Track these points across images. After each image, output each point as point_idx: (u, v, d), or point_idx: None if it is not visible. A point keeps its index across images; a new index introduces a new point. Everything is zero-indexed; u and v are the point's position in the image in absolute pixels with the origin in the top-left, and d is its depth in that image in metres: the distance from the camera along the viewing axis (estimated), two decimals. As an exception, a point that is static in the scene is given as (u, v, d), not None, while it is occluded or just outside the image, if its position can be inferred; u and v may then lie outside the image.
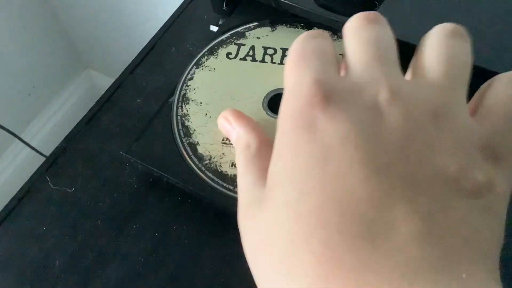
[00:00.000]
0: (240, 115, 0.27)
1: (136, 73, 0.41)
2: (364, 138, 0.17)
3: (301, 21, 0.36)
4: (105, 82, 1.29)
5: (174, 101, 0.34)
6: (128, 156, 0.34)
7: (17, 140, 1.03)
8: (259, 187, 0.21)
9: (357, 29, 0.21)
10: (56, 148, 0.38)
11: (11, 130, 0.99)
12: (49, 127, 1.22)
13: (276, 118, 0.33)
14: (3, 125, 0.97)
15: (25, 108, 1.18)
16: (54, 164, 0.37)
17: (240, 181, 0.23)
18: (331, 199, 0.16)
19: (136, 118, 0.38)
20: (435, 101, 0.18)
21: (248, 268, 0.32)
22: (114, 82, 0.40)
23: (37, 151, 1.06)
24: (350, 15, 0.33)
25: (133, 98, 0.40)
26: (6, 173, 1.15)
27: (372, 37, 0.20)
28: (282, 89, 0.33)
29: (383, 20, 0.21)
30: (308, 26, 0.36)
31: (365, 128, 0.17)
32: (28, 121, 1.20)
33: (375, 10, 0.33)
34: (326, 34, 0.22)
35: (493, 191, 0.17)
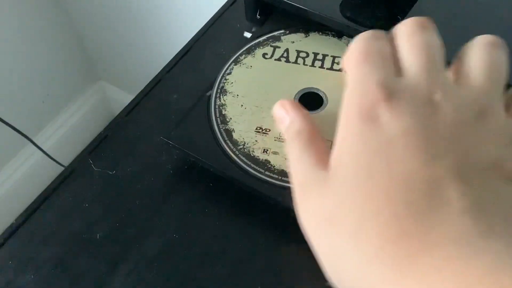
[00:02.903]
0: (297, 105, 0.28)
1: (172, 72, 0.45)
2: (422, 130, 0.21)
3: (332, 29, 0.40)
4: (116, 94, 1.33)
5: (212, 93, 0.38)
6: (167, 141, 0.37)
7: (30, 144, 1.06)
8: (318, 169, 0.24)
9: (410, 33, 0.24)
10: (98, 134, 0.41)
11: (25, 133, 1.02)
12: (60, 134, 1.25)
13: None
14: (18, 128, 1.00)
15: (38, 114, 1.22)
16: (96, 148, 0.40)
17: (295, 164, 0.25)
18: (397, 179, 0.20)
19: (172, 111, 0.42)
20: (478, 101, 0.22)
21: (273, 250, 0.35)
22: (152, 79, 0.44)
23: (48, 155, 1.09)
24: (373, 27, 0.37)
25: (170, 94, 0.43)
26: (17, 174, 1.18)
27: (424, 42, 0.23)
28: (312, 88, 0.37)
29: (433, 26, 0.24)
30: (339, 34, 0.40)
31: (422, 122, 0.21)
32: (41, 126, 1.23)
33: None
34: (385, 35, 0.25)
35: None
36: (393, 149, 0.21)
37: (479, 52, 0.23)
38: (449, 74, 0.24)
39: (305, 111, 0.28)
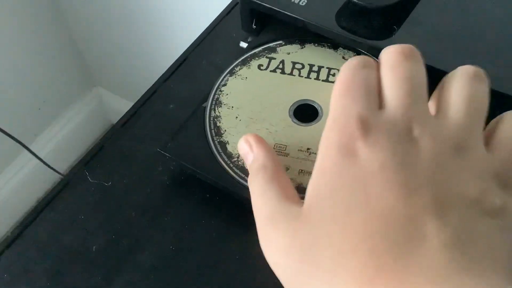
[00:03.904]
0: (261, 140, 0.28)
1: (169, 82, 0.44)
2: (400, 165, 0.21)
3: (328, 41, 0.40)
4: (113, 100, 1.33)
5: (207, 105, 0.38)
6: (164, 153, 0.37)
7: (25, 151, 1.05)
8: (287, 203, 0.23)
9: (394, 63, 0.23)
10: (94, 146, 0.41)
11: (20, 141, 1.02)
12: (57, 141, 1.25)
13: (299, 125, 0.36)
14: (13, 135, 1.00)
15: (34, 121, 1.21)
16: (92, 160, 0.40)
17: (260, 199, 0.25)
18: (375, 215, 0.20)
19: (169, 121, 0.42)
20: (457, 136, 0.22)
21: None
22: (148, 90, 0.44)
23: (44, 162, 1.09)
24: (369, 37, 0.37)
25: (166, 104, 0.43)
26: (13, 182, 1.18)
27: (407, 74, 0.23)
28: (307, 100, 0.37)
29: (417, 55, 0.24)
30: (334, 45, 0.40)
31: (400, 157, 0.21)
32: (37, 133, 1.23)
33: (394, 33, 0.37)
34: (372, 63, 0.24)
35: (507, 212, 0.20)
36: (370, 185, 0.21)
37: (459, 84, 0.23)
38: (430, 105, 0.24)
39: (269, 147, 0.28)
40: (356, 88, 0.23)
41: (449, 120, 0.22)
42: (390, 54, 0.24)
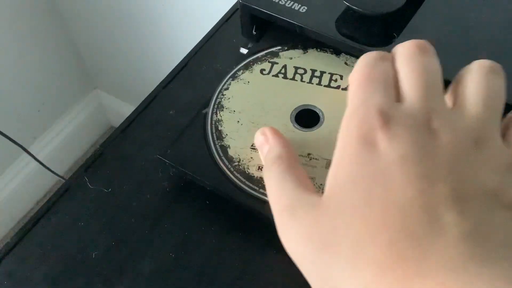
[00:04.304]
0: (277, 132, 0.29)
1: (169, 88, 0.44)
2: (420, 157, 0.21)
3: (331, 46, 0.40)
4: (112, 103, 1.33)
5: (209, 109, 0.38)
6: (163, 159, 0.37)
7: (25, 153, 1.05)
8: (305, 193, 0.24)
9: (410, 56, 0.24)
10: (94, 152, 0.41)
11: (20, 143, 1.02)
12: (56, 143, 1.25)
13: (301, 130, 0.36)
14: (12, 138, 1.00)
15: (34, 124, 1.21)
16: (91, 166, 0.40)
17: (277, 188, 0.25)
18: (394, 205, 0.20)
19: (169, 127, 0.42)
20: (476, 129, 0.22)
21: (271, 269, 0.35)
22: (148, 95, 0.44)
23: (43, 165, 1.09)
24: (369, 44, 0.38)
25: (166, 109, 0.43)
26: (12, 184, 1.18)
27: (422, 66, 0.23)
28: (309, 105, 0.37)
29: (432, 49, 0.24)
30: (337, 51, 0.40)
31: (420, 149, 0.21)
32: (36, 136, 1.23)
33: (394, 41, 0.37)
34: (389, 56, 0.25)
35: None
36: (390, 176, 0.21)
37: (476, 77, 0.23)
38: (447, 99, 0.24)
39: (285, 139, 0.29)
40: (375, 80, 0.23)
41: (467, 112, 0.22)
42: (406, 48, 0.24)
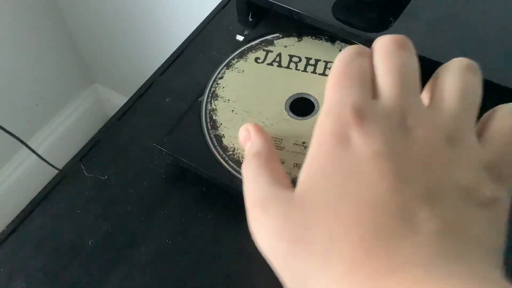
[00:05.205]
0: (260, 129, 0.29)
1: (165, 75, 0.44)
2: (393, 154, 0.21)
3: (325, 34, 0.40)
4: (111, 96, 1.33)
5: (203, 99, 0.38)
6: (160, 147, 0.37)
7: (24, 147, 1.05)
8: (279, 188, 0.24)
9: (387, 52, 0.24)
10: (90, 140, 0.41)
11: (19, 137, 1.02)
12: (55, 137, 1.25)
13: (295, 118, 0.36)
14: (11, 132, 1.00)
15: (32, 117, 1.21)
16: (88, 154, 0.40)
17: (251, 184, 0.25)
18: (367, 202, 0.20)
19: (165, 115, 0.42)
20: (451, 127, 0.22)
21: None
22: (145, 83, 0.44)
23: (42, 158, 1.08)
24: (366, 29, 0.37)
25: (162, 97, 0.43)
26: (11, 178, 1.18)
27: (399, 64, 0.23)
28: (303, 93, 0.37)
29: (410, 45, 0.24)
30: (332, 39, 0.40)
31: (393, 146, 0.21)
32: (35, 129, 1.22)
33: (390, 26, 0.37)
34: (367, 52, 0.24)
35: (497, 204, 0.21)
36: (363, 172, 0.21)
37: (453, 76, 0.23)
38: (423, 96, 0.24)
39: (267, 136, 0.29)
40: (351, 77, 0.23)
41: (442, 111, 0.22)
42: (384, 44, 0.24)
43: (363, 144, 0.21)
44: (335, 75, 0.24)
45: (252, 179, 0.25)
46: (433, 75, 0.25)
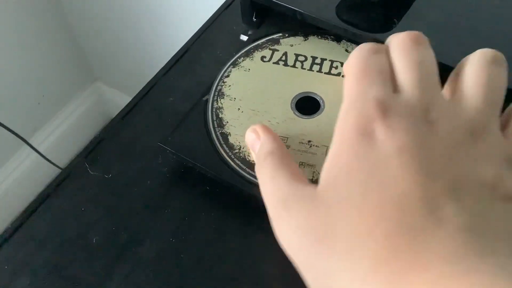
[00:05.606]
0: (267, 129, 0.29)
1: (169, 75, 0.44)
2: (417, 149, 0.21)
3: (331, 33, 0.40)
4: (113, 95, 1.33)
5: (209, 97, 0.38)
6: (164, 146, 0.37)
7: (25, 145, 1.05)
8: (297, 185, 0.23)
9: (405, 49, 0.24)
10: (94, 138, 0.41)
11: (20, 135, 1.02)
12: (56, 135, 1.25)
13: (301, 117, 0.36)
14: (13, 130, 1.00)
15: (34, 116, 1.21)
16: (92, 152, 0.40)
17: (270, 182, 0.25)
18: (391, 198, 0.20)
19: (169, 114, 0.42)
20: (474, 121, 0.22)
21: (270, 254, 0.35)
22: (148, 82, 0.44)
23: (44, 156, 1.09)
24: (370, 30, 0.37)
25: (166, 97, 0.43)
26: (13, 176, 1.18)
27: (418, 58, 0.23)
28: (309, 92, 0.37)
29: (426, 41, 0.24)
30: (337, 38, 0.40)
31: (417, 141, 0.21)
32: (37, 128, 1.23)
33: (394, 27, 0.37)
34: (384, 48, 0.25)
35: None
36: (388, 167, 0.21)
37: (477, 68, 0.23)
38: (445, 90, 0.24)
39: (275, 135, 0.28)
40: (372, 72, 0.23)
41: (465, 104, 0.22)
42: (401, 40, 0.24)
43: (387, 138, 0.21)
44: (354, 72, 0.24)
45: (270, 179, 0.25)
46: (457, 67, 0.25)
